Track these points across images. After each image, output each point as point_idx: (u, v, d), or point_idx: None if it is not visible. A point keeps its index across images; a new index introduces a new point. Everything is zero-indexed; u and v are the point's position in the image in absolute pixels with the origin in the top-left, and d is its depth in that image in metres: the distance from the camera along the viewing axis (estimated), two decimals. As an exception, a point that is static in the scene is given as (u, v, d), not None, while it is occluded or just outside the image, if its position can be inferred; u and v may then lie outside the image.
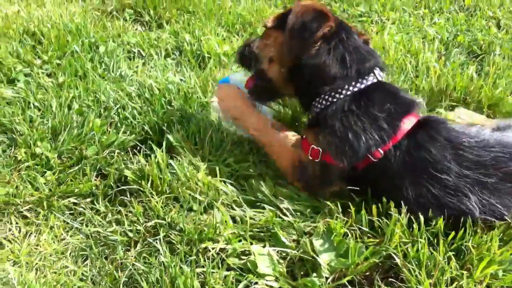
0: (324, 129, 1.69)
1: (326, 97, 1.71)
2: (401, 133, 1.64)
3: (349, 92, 1.69)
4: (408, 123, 1.65)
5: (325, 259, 1.56)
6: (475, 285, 1.49)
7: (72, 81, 2.40)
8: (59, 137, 2.04)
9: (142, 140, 2.10)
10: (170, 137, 1.99)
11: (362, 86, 1.69)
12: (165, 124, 2.10)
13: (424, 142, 1.62)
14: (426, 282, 1.46)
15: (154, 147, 1.97)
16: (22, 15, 2.97)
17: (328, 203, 1.68)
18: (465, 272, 1.49)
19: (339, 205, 1.67)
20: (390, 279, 1.54)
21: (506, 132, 1.71)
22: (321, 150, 1.70)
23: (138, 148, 2.04)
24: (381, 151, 1.63)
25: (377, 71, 1.74)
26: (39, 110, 2.21)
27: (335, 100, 1.69)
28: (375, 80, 1.72)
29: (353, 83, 1.69)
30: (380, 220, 1.61)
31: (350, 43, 1.75)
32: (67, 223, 1.79)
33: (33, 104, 2.22)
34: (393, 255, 1.53)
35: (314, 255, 1.56)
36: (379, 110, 1.65)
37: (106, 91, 2.33)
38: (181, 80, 2.48)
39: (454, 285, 1.47)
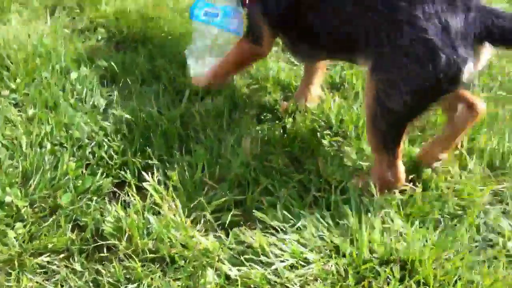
0: None
1: None
2: None
3: None
4: None
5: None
6: None
7: (42, 113, 2.24)
8: (29, 182, 1.89)
9: (120, 183, 1.98)
10: (149, 188, 1.87)
11: None
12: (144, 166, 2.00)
13: None
14: None
15: (132, 194, 1.86)
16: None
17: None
18: None
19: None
20: None
21: None
22: None
23: (117, 194, 1.92)
24: None
25: None
26: (7, 149, 2.04)
27: None
28: None
29: None
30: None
31: None
32: (40, 284, 1.66)
33: (1, 142, 2.06)
34: None
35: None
36: None
37: (79, 126, 2.18)
38: (159, 112, 2.33)
39: None
